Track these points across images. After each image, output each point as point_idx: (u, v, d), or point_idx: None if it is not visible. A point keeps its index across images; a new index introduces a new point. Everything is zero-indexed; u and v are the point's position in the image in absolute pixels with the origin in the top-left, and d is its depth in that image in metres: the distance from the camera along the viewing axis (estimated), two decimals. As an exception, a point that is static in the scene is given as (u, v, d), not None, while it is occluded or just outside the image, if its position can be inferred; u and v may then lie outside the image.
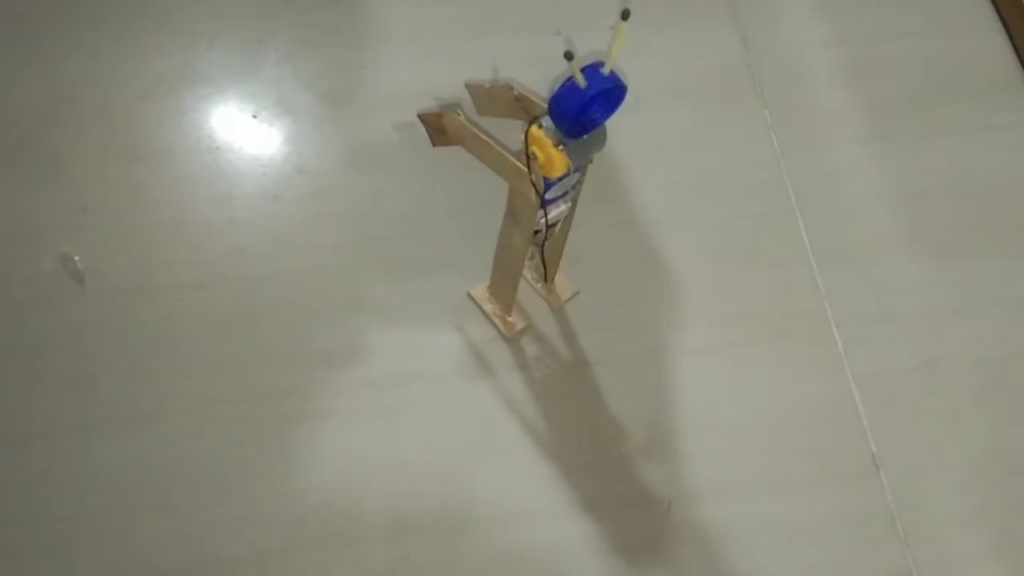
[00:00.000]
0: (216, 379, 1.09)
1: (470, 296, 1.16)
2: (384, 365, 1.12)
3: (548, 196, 0.88)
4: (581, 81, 0.77)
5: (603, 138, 0.84)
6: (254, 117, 1.26)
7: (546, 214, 0.91)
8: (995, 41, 1.43)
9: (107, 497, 1.03)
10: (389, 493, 1.05)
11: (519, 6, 1.37)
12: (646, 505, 1.07)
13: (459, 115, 0.90)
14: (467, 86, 0.97)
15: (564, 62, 0.75)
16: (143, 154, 1.22)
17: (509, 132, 0.90)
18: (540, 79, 1.28)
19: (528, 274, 1.17)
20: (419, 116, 0.97)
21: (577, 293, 1.17)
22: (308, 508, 1.04)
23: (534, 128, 0.81)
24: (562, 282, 1.17)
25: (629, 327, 1.17)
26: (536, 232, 0.95)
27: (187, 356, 1.10)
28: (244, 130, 1.25)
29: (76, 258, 1.15)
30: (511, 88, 0.89)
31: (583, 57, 0.78)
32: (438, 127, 0.94)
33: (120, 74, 1.27)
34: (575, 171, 0.85)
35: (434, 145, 0.98)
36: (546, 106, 0.81)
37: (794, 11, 1.43)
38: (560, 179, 0.85)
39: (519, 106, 0.89)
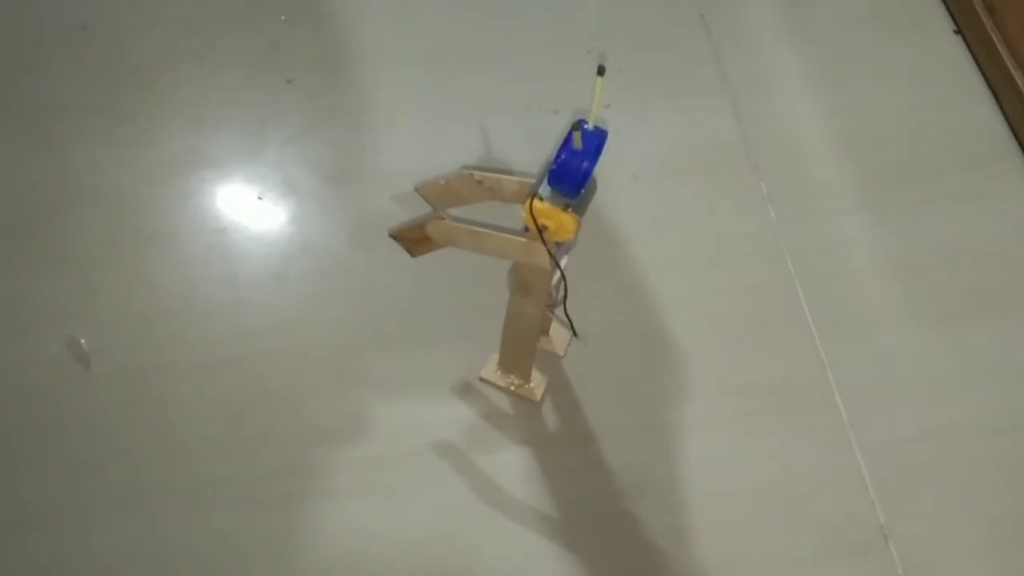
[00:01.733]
0: (222, 460, 1.10)
1: (483, 380, 1.17)
2: (387, 442, 1.13)
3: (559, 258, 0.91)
4: (579, 144, 0.81)
5: (595, 184, 0.87)
6: (259, 199, 1.28)
7: (563, 276, 0.94)
8: (985, 111, 1.47)
9: (113, 579, 1.03)
10: (392, 571, 1.05)
11: (518, 87, 1.41)
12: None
13: (443, 218, 0.93)
14: (417, 189, 0.99)
15: (550, 138, 0.78)
16: (150, 236, 1.24)
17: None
18: (537, 156, 1.31)
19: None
20: (392, 235, 1.00)
21: (573, 336, 1.18)
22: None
23: (536, 202, 0.84)
24: (555, 329, 1.19)
25: (633, 401, 1.18)
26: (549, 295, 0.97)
27: (193, 437, 1.12)
28: (249, 211, 1.28)
29: (82, 341, 1.17)
30: (471, 175, 0.92)
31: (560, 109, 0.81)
32: (419, 237, 0.96)
33: (127, 159, 1.30)
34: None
35: (414, 256, 1.00)
36: (516, 179, 0.86)
37: (785, 85, 1.46)
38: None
39: (482, 188, 0.92)
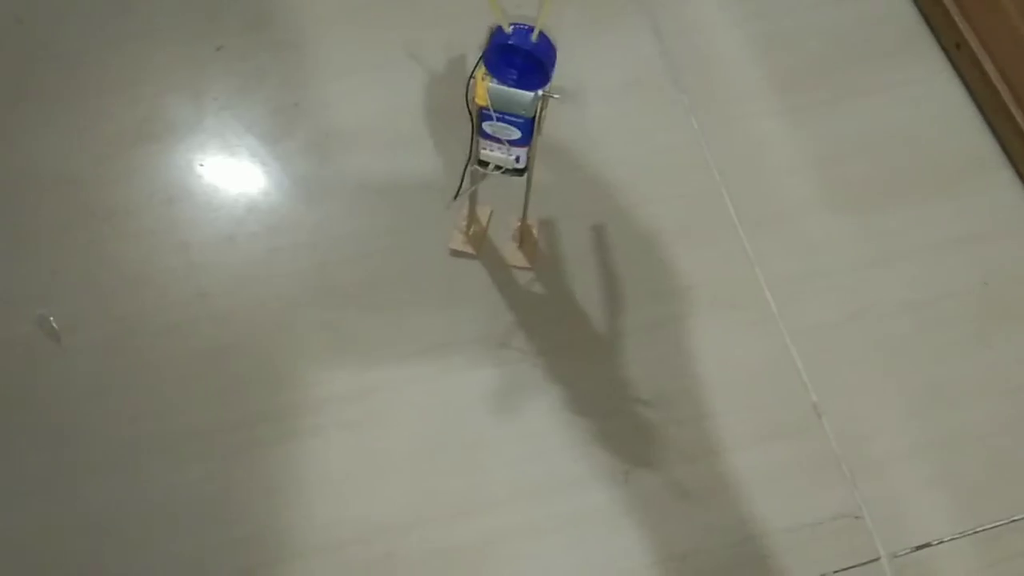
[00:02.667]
0: (191, 415, 1.19)
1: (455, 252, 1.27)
2: (349, 380, 1.21)
3: (485, 128, 1.00)
4: (506, 26, 0.89)
5: (525, 104, 0.95)
6: (201, 166, 1.35)
7: (476, 144, 1.03)
8: (896, 0, 1.52)
9: (96, 539, 1.12)
10: (366, 499, 1.14)
11: (442, 30, 1.46)
12: (606, 478, 1.16)
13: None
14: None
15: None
16: (102, 214, 1.31)
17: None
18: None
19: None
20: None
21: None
22: (290, 522, 1.13)
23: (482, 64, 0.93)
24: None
25: (571, 315, 1.26)
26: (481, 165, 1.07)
27: (163, 397, 1.20)
28: (193, 180, 1.34)
29: (51, 319, 1.24)
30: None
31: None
32: None
33: (72, 143, 1.36)
34: (499, 118, 0.97)
35: None
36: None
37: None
38: (490, 115, 0.97)
39: None
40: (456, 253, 1.29)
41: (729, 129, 1.40)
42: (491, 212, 1.31)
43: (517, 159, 1.06)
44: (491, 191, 1.25)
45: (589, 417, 1.20)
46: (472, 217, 1.28)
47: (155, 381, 1.21)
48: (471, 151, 1.06)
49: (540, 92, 0.95)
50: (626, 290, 1.27)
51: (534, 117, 0.97)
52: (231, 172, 1.35)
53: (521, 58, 0.92)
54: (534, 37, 0.90)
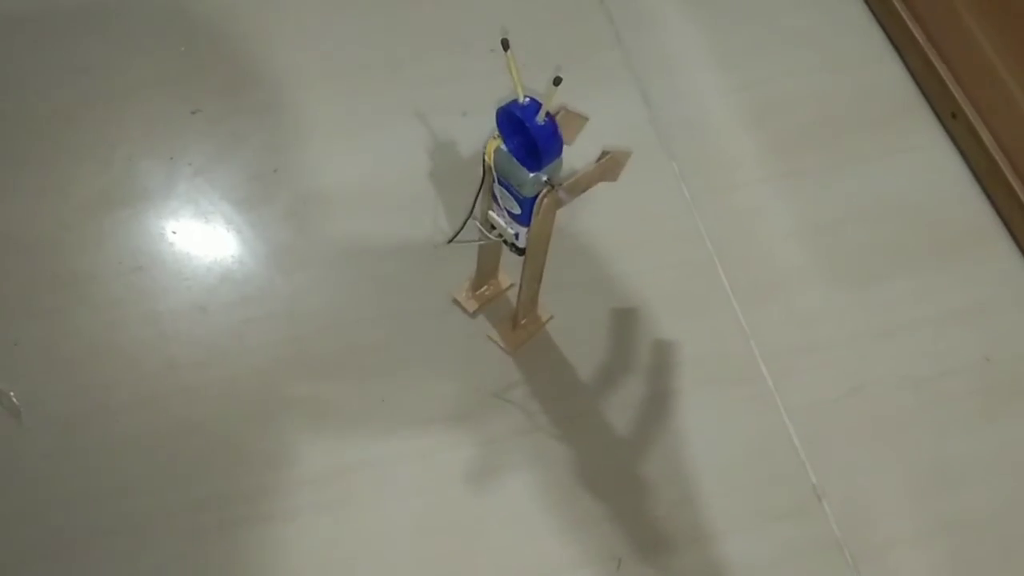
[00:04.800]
0: (157, 495, 1.15)
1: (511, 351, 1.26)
2: (324, 459, 1.17)
3: (495, 190, 1.02)
4: (521, 97, 0.91)
5: (524, 180, 0.95)
6: (174, 233, 1.33)
7: (480, 198, 1.05)
8: (891, 69, 1.54)
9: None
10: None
11: (424, 92, 1.46)
12: (597, 564, 1.13)
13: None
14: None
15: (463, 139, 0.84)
16: (68, 282, 1.29)
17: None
18: (448, 159, 1.36)
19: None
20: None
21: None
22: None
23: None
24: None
25: (559, 390, 1.23)
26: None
27: (127, 476, 1.16)
28: (165, 246, 1.32)
29: (12, 394, 1.21)
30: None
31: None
32: None
33: (38, 206, 1.34)
34: (504, 184, 0.99)
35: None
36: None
37: (691, 62, 1.53)
38: (497, 178, 0.99)
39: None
40: (455, 303, 1.28)
41: (722, 197, 1.40)
42: (511, 285, 1.29)
43: (516, 236, 1.05)
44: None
45: (580, 499, 1.17)
46: (482, 278, 1.26)
47: (120, 459, 1.17)
48: (475, 202, 1.05)
49: (543, 178, 0.94)
50: (616, 364, 1.25)
51: (534, 198, 0.97)
52: (204, 240, 1.33)
53: (523, 134, 0.92)
54: (539, 117, 0.90)
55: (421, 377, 1.24)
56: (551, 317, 1.27)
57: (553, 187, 0.95)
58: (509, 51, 0.90)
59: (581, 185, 0.98)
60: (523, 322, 1.25)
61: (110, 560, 1.11)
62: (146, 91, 1.46)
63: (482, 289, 1.28)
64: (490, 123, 0.95)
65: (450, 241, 1.13)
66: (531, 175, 0.94)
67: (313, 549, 1.13)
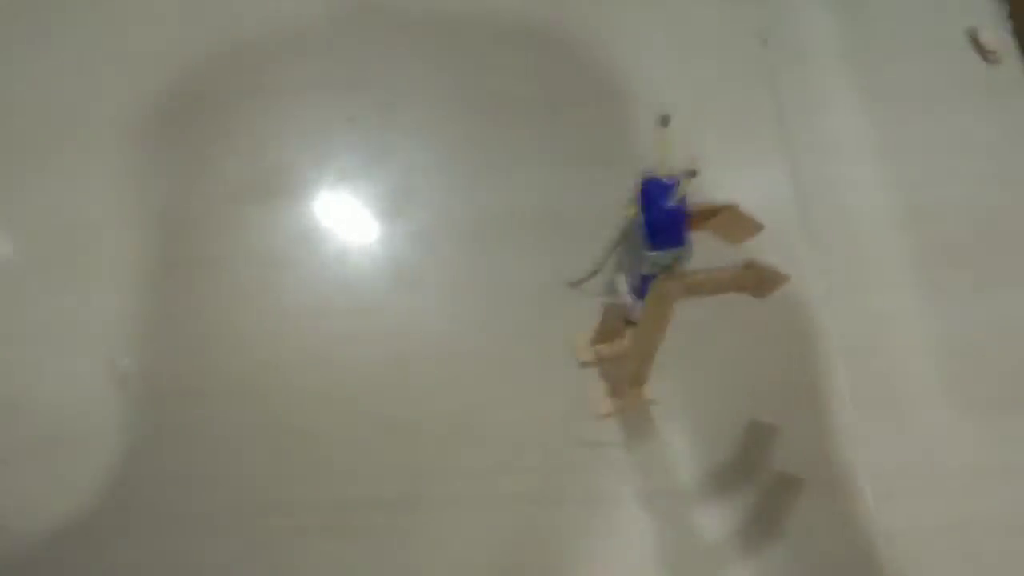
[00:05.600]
0: (233, 489, 1.20)
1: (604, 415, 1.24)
2: (403, 486, 1.19)
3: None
4: (660, 171, 0.92)
5: (643, 252, 0.94)
6: (306, 234, 1.37)
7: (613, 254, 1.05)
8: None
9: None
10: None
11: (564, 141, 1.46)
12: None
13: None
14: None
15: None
16: (198, 264, 1.35)
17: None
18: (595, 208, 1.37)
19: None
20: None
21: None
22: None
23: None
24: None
25: (649, 465, 1.21)
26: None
27: (209, 463, 1.21)
28: (297, 246, 1.36)
29: (124, 362, 1.26)
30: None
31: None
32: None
33: (190, 188, 1.41)
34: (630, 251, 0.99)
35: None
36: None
37: (852, 150, 1.48)
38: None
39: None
40: (584, 364, 1.27)
41: (859, 296, 1.35)
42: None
43: (632, 307, 1.04)
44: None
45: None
46: (604, 335, 1.25)
47: (205, 445, 1.22)
48: (605, 258, 1.06)
49: (663, 262, 0.94)
50: (713, 454, 1.23)
51: (652, 277, 0.96)
52: (334, 246, 1.37)
53: (650, 211, 0.92)
54: (671, 200, 0.89)
55: (514, 424, 1.24)
56: (653, 400, 1.25)
57: (670, 276, 0.94)
58: (666, 128, 0.90)
59: (703, 288, 0.96)
60: (623, 397, 1.23)
61: (173, 545, 1.15)
62: (309, 90, 1.51)
63: (603, 345, 1.27)
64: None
65: (572, 285, 1.13)
66: (649, 254, 0.93)
67: (377, 571, 1.14)
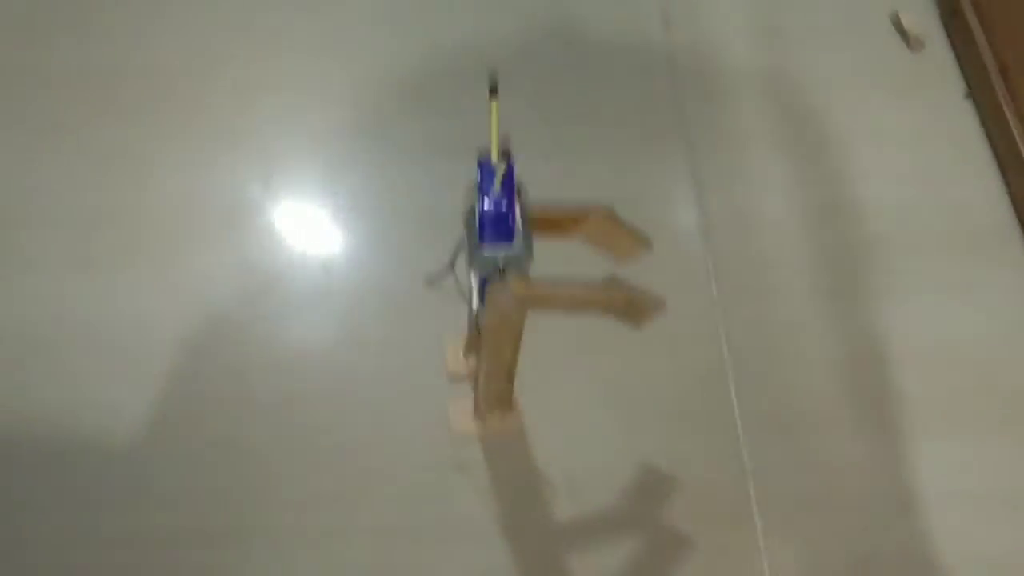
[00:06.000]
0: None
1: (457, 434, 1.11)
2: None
3: None
4: (495, 156, 0.80)
5: (473, 248, 0.83)
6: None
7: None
8: (987, 187, 1.34)
9: None
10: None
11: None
12: None
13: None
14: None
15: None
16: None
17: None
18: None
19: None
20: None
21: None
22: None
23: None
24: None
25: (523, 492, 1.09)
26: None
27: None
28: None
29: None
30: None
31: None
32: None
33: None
34: None
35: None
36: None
37: (753, 149, 1.36)
38: None
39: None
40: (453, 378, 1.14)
41: (757, 306, 1.22)
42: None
43: (476, 313, 0.91)
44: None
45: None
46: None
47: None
48: (454, 252, 0.93)
49: (496, 263, 0.82)
50: (595, 479, 1.10)
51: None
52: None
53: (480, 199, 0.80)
54: (494, 187, 0.78)
55: (367, 440, 1.11)
56: (520, 423, 1.12)
57: (506, 283, 0.80)
58: (496, 98, 0.77)
59: (549, 302, 0.84)
60: (489, 418, 1.10)
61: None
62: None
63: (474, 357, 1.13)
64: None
65: (429, 281, 1.00)
66: (478, 250, 0.80)
67: None
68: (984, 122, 1.39)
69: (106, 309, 1.17)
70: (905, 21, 1.47)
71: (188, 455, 1.08)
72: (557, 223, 0.88)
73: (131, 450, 1.08)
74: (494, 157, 0.80)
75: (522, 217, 0.82)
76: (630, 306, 0.86)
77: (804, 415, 1.15)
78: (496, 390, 1.02)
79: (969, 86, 1.43)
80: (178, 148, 1.31)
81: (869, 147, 1.37)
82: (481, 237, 0.79)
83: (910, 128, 1.39)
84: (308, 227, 1.26)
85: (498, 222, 0.77)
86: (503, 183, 0.78)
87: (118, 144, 1.30)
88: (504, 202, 0.77)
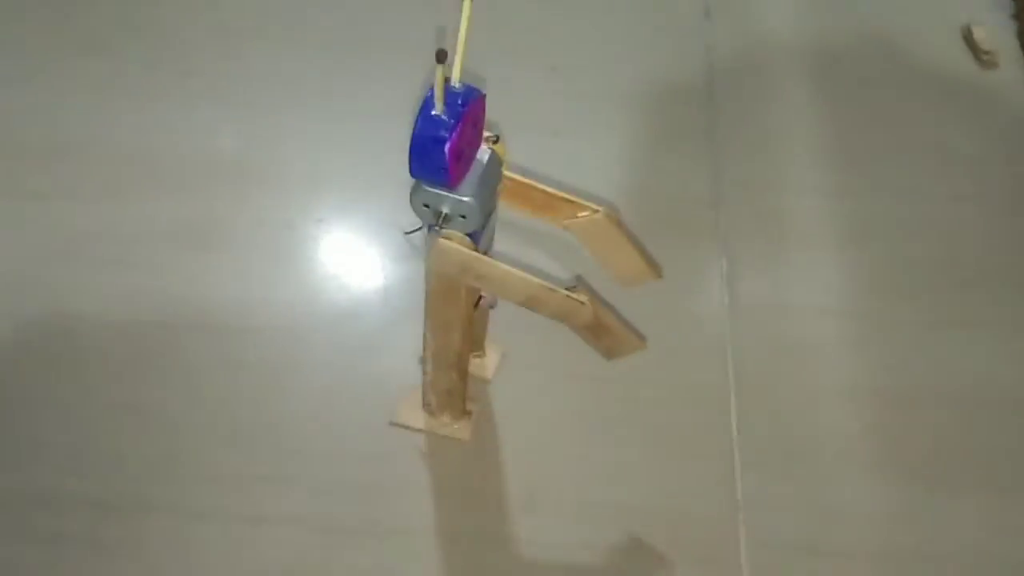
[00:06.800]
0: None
1: (398, 424, 0.97)
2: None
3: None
4: (457, 77, 0.65)
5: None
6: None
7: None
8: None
9: None
10: None
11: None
12: None
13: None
14: None
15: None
16: None
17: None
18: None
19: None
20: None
21: (505, 355, 1.01)
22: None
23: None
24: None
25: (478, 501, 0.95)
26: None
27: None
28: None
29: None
30: None
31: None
32: None
33: None
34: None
35: None
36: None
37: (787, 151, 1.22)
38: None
39: None
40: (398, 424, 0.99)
41: (770, 318, 1.07)
42: (479, 355, 1.01)
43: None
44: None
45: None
46: None
47: None
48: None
49: (428, 202, 0.69)
50: (563, 500, 0.96)
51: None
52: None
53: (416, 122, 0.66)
54: (436, 108, 0.64)
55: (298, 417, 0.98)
56: (469, 420, 0.98)
57: (450, 234, 0.66)
58: (443, 63, 0.63)
59: (489, 280, 0.71)
60: (439, 415, 0.96)
61: None
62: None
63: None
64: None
65: (406, 234, 0.86)
66: (415, 183, 0.66)
67: None
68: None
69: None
70: (977, 36, 1.32)
71: (88, 415, 0.96)
72: (546, 204, 0.75)
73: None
74: (457, 73, 0.66)
75: (489, 170, 0.68)
76: (599, 326, 0.72)
77: (811, 448, 0.99)
78: (445, 382, 0.87)
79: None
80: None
81: (929, 165, 1.22)
82: (414, 165, 0.65)
83: (976, 150, 1.24)
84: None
85: (425, 149, 0.63)
86: (452, 106, 0.64)
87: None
88: (444, 128, 0.62)
